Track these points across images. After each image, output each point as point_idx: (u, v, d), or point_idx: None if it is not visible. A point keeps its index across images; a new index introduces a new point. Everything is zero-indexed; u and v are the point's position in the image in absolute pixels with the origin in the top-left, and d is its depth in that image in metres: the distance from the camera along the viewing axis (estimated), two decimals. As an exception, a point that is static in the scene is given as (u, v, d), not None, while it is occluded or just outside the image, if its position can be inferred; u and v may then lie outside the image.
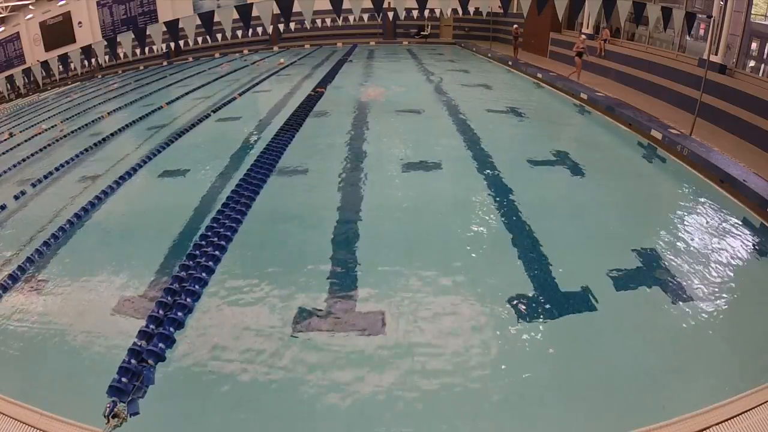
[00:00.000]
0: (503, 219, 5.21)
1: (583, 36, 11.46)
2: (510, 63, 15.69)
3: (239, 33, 12.04)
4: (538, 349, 3.47)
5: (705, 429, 2.66)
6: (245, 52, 24.21)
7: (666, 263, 4.35)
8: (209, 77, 16.86)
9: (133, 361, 3.35)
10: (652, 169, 7.01)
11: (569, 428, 2.91)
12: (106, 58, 7.09)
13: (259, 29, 16.12)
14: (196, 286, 4.13)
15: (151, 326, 3.69)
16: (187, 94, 14.11)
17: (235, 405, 3.13)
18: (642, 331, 3.63)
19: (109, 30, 24.41)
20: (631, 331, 3.64)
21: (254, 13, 6.59)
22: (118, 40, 6.85)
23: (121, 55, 7.95)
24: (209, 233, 4.99)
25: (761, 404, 2.79)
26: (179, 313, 3.82)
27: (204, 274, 4.30)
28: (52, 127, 12.12)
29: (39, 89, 21.44)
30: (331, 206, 5.61)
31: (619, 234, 4.98)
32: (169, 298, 3.98)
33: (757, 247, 4.75)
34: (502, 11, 7.86)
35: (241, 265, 4.59)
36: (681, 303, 3.85)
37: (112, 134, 10.09)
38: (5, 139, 11.88)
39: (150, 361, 3.37)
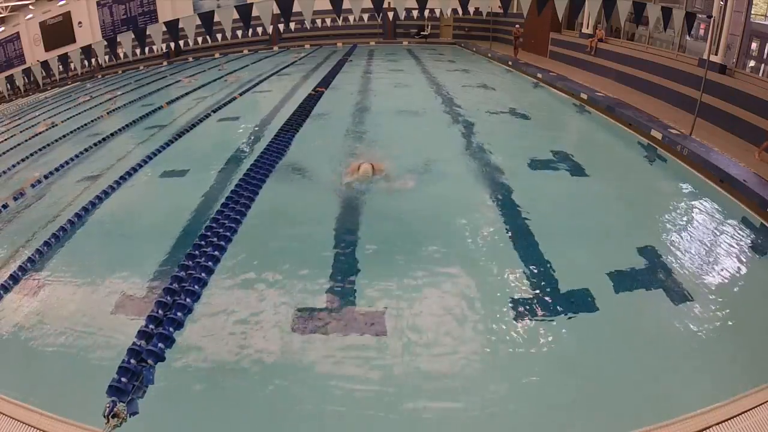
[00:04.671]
0: (503, 219, 5.21)
1: None
2: (510, 63, 15.69)
3: (239, 33, 12.03)
4: (537, 349, 3.47)
5: (705, 429, 2.66)
6: (245, 52, 24.22)
7: (666, 263, 4.35)
8: (204, 80, 16.85)
9: (132, 360, 3.34)
10: (653, 169, 7.01)
11: (569, 428, 2.91)
12: (106, 58, 7.09)
13: (259, 29, 16.11)
14: (196, 286, 4.13)
15: (151, 326, 3.69)
16: (187, 94, 14.11)
17: (235, 405, 3.13)
18: (642, 330, 3.63)
19: (109, 30, 24.38)
20: (632, 331, 3.64)
21: (254, 13, 6.58)
22: (118, 40, 6.85)
23: (121, 55, 7.95)
24: (209, 233, 4.99)
25: (761, 404, 2.79)
26: (179, 313, 3.81)
27: (204, 274, 4.30)
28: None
29: (39, 89, 21.43)
30: (332, 206, 5.61)
31: (619, 234, 4.98)
32: (168, 298, 3.98)
33: (757, 247, 4.75)
34: (502, 11, 7.85)
35: (241, 265, 4.58)
36: (681, 303, 3.85)
37: (112, 134, 10.09)
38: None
39: (149, 361, 3.37)
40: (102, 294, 4.34)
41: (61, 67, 7.44)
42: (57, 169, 8.03)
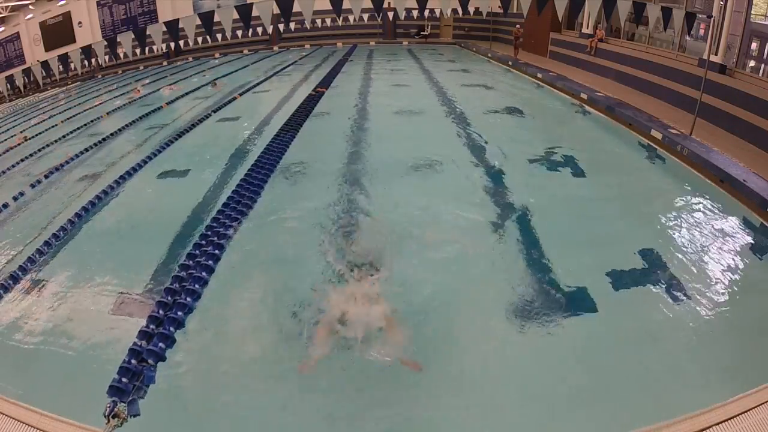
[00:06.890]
0: (503, 219, 5.21)
1: None
2: (510, 63, 15.69)
3: (239, 33, 12.04)
4: (537, 350, 3.47)
5: (705, 429, 2.66)
6: (245, 52, 24.23)
7: (666, 263, 4.35)
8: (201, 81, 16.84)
9: (133, 361, 3.35)
10: (652, 169, 7.00)
11: (569, 428, 2.91)
12: (106, 58, 7.10)
13: (259, 29, 16.13)
14: (196, 286, 4.13)
15: (152, 326, 3.69)
16: (187, 94, 14.12)
17: (235, 404, 3.13)
18: (641, 330, 3.63)
19: (109, 30, 24.41)
20: (631, 331, 3.64)
21: (254, 13, 6.59)
22: (118, 40, 6.86)
23: (121, 55, 7.95)
24: (209, 233, 4.99)
25: (761, 404, 2.79)
26: (179, 313, 3.82)
27: (204, 274, 4.30)
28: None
29: (39, 89, 21.44)
30: (333, 206, 5.61)
31: (619, 234, 4.98)
32: (169, 298, 3.98)
33: (757, 247, 4.75)
34: (502, 11, 7.86)
35: (242, 265, 4.58)
36: (681, 303, 3.85)
37: (112, 134, 10.09)
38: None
39: (150, 361, 3.37)
40: (102, 293, 4.34)
41: (61, 67, 7.45)
42: (57, 169, 8.03)
